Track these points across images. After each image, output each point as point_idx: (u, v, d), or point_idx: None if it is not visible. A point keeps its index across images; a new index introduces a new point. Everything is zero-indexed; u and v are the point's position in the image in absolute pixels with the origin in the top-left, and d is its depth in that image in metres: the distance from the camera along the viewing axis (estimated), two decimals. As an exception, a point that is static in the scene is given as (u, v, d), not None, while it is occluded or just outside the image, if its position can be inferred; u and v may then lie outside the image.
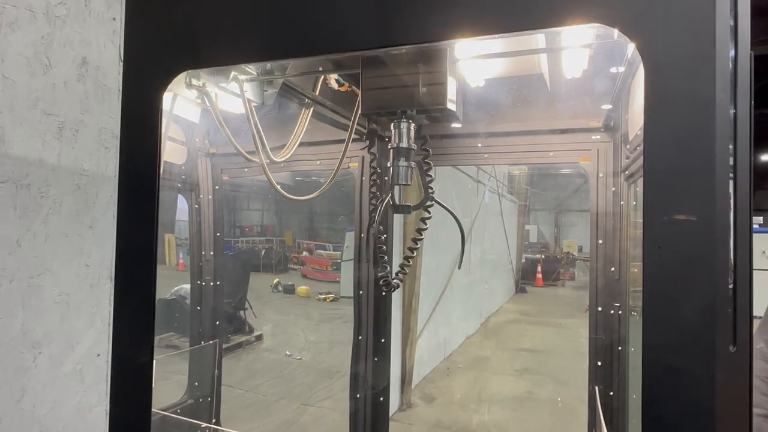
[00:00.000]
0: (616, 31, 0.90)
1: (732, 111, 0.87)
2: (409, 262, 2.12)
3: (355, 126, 2.35)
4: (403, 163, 1.70)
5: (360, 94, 1.65)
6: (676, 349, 0.81)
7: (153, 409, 3.19)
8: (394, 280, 2.08)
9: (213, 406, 3.61)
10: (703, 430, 0.79)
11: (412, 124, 1.69)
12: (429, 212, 1.95)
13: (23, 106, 2.29)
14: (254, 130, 2.13)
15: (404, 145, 1.68)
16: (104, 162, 2.69)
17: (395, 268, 2.16)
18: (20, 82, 2.25)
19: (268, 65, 2.07)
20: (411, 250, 2.13)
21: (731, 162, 0.87)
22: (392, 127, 1.70)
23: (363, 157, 3.07)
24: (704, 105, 0.82)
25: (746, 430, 0.87)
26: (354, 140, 2.92)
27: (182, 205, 3.98)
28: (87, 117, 2.60)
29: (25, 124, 2.31)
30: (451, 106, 1.57)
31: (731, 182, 0.87)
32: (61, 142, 2.48)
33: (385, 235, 3.12)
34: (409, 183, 1.74)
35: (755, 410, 1.93)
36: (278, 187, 2.40)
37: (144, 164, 1.33)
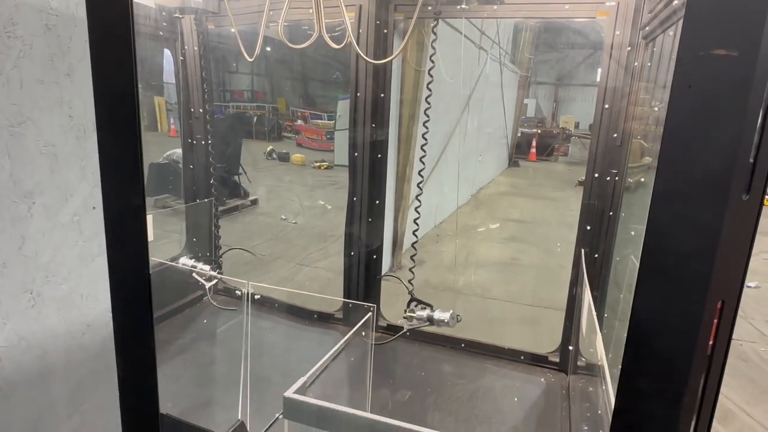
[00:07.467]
0: None
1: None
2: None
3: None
4: None
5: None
6: (688, 194, 0.78)
7: (158, 260, 3.30)
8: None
9: (211, 261, 3.76)
10: (699, 274, 0.79)
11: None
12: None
13: (-31, -76, 1.98)
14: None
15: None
16: (74, 0, 2.43)
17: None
18: None
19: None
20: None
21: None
22: None
23: (360, 6, 2.80)
24: None
25: (740, 275, 0.88)
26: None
27: (169, 66, 3.72)
28: (46, -57, 2.28)
29: (-26, -52, 2.02)
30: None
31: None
32: (21, -28, 2.19)
33: (383, 94, 2.99)
34: None
35: None
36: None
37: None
